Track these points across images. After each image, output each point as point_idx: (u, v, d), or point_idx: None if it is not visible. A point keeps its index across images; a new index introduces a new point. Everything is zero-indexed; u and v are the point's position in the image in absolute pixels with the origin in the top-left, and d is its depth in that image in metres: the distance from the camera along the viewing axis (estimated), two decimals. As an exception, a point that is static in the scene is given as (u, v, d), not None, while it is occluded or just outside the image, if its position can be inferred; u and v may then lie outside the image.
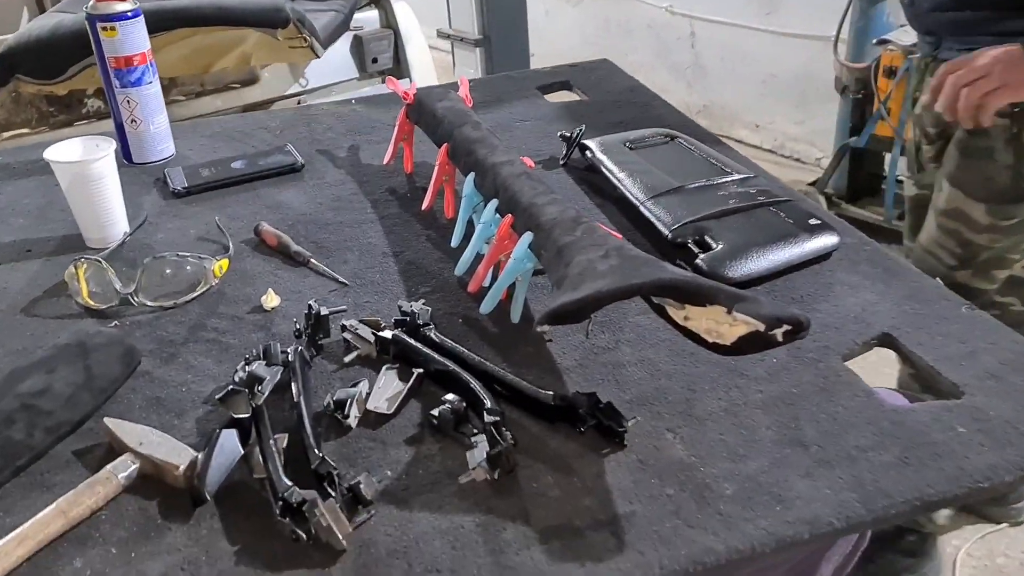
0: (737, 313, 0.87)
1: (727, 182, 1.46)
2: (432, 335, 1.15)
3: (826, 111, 4.50)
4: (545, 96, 2.03)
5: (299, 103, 3.41)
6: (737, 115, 5.21)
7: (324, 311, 1.16)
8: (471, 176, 1.36)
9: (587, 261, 1.00)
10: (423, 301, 1.23)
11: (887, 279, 1.27)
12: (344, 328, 1.17)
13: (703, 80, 5.16)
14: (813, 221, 1.35)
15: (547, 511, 0.90)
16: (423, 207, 1.50)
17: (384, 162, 1.68)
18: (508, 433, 0.95)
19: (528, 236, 1.15)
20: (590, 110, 1.93)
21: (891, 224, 4.13)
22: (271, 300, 1.27)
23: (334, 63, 3.35)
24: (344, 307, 1.21)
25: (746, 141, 5.24)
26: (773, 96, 5.03)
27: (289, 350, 1.10)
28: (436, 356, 1.10)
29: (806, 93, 4.89)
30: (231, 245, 1.42)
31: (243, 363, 1.07)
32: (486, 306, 1.21)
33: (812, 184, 4.27)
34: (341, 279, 1.33)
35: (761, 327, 0.85)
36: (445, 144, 1.48)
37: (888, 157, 4.05)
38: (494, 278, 1.27)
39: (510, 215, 1.21)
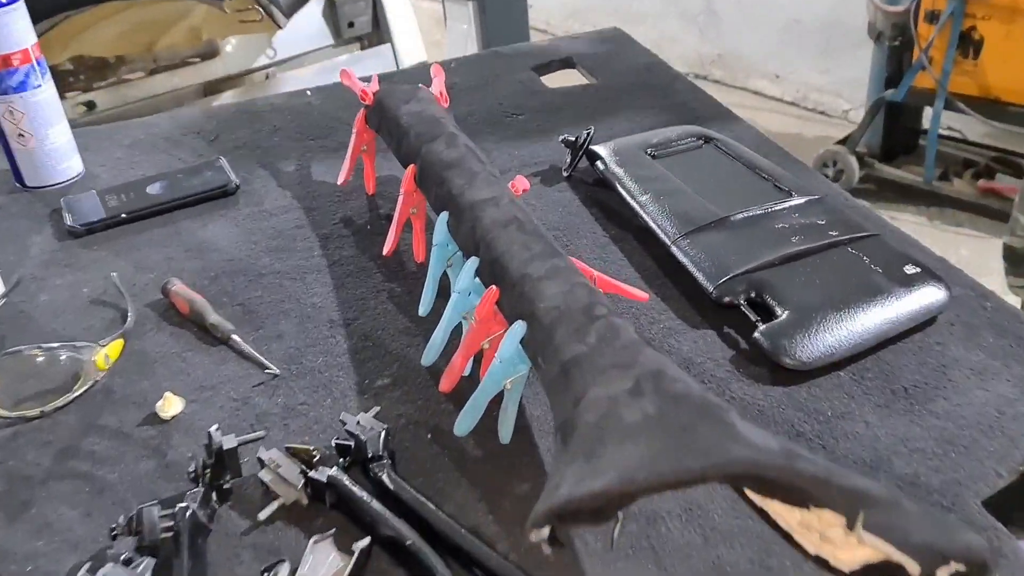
0: (866, 533, 0.52)
1: (786, 209, 1.09)
2: (385, 477, 0.80)
3: (855, 59, 4.08)
4: (543, 78, 1.65)
5: (267, 77, 3.02)
6: (755, 65, 4.79)
7: (230, 443, 0.82)
8: (443, 217, 1.00)
9: (608, 401, 0.65)
10: (377, 410, 0.89)
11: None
12: (262, 463, 0.83)
13: (717, 27, 4.73)
14: (910, 269, 0.98)
15: None
16: (384, 251, 1.14)
17: (339, 182, 1.31)
18: None
19: (519, 328, 0.80)
20: (598, 97, 1.55)
21: (931, 185, 3.76)
22: (169, 406, 0.93)
23: (305, 30, 2.96)
24: (262, 433, 0.86)
25: (764, 92, 4.83)
26: (795, 43, 4.61)
27: (178, 508, 0.76)
28: (390, 516, 0.76)
29: (832, 40, 4.46)
30: (131, 314, 1.06)
31: (87, 566, 0.72)
32: (461, 426, 0.87)
33: (842, 142, 3.88)
34: (270, 366, 0.98)
35: (907, 563, 0.51)
36: (412, 165, 1.11)
37: (929, 111, 3.65)
38: (476, 367, 0.92)
39: (495, 288, 0.86)
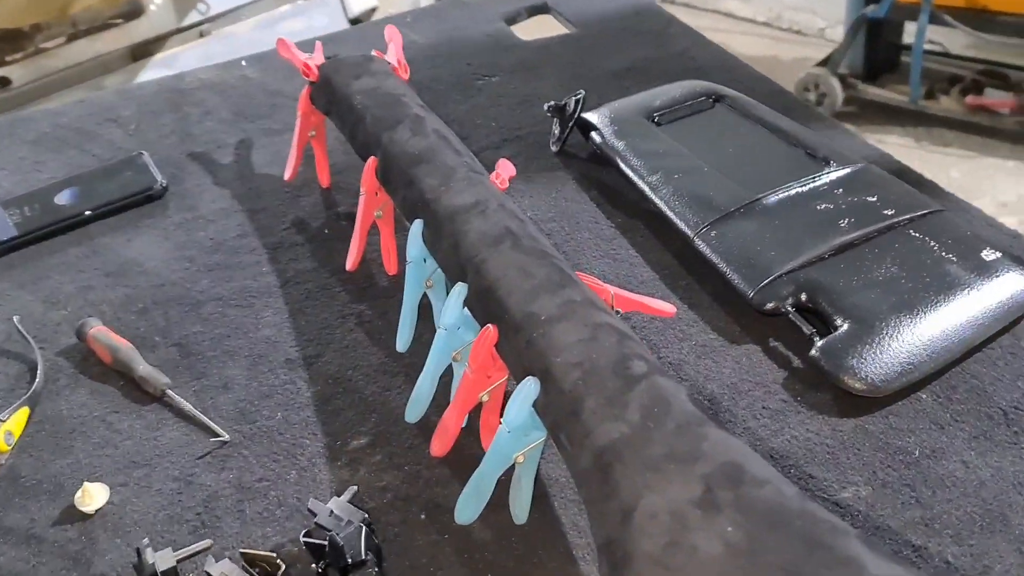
0: None
1: (826, 184, 0.91)
2: (372, 592, 0.63)
3: (829, -27, 3.86)
4: (515, 29, 1.44)
5: (201, 35, 2.75)
6: (724, -16, 4.56)
7: (167, 562, 0.64)
8: (417, 227, 0.81)
9: (672, 520, 0.47)
10: (354, 491, 0.71)
11: None
12: (212, 580, 0.65)
13: (682, -53, 4.48)
14: (989, 254, 0.81)
15: None
16: (348, 265, 0.94)
17: (286, 177, 1.10)
18: None
19: (532, 388, 0.62)
20: (581, 49, 1.35)
21: (917, 105, 3.60)
22: (91, 498, 0.74)
23: (241, -21, 2.70)
24: (208, 543, 0.68)
25: (736, 14, 4.61)
26: (766, -42, 4.39)
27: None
28: (382, 651, 0.59)
29: (805, -48, 4.24)
30: (40, 369, 0.87)
31: None
32: (464, 513, 0.69)
33: (822, 63, 3.69)
34: (218, 431, 0.79)
35: None
36: (372, 158, 0.91)
37: (910, 26, 3.47)
38: (473, 417, 0.74)
39: (492, 328, 0.67)
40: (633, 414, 0.54)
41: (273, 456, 0.77)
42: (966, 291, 0.77)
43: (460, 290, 0.73)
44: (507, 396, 0.73)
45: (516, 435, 0.64)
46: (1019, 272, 0.79)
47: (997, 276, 0.79)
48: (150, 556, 0.63)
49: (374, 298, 0.93)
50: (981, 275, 0.79)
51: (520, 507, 0.68)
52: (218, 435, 0.79)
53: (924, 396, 0.74)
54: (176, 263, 1.01)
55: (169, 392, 0.83)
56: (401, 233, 0.96)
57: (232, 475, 0.76)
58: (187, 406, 0.82)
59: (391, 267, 0.95)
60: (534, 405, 0.62)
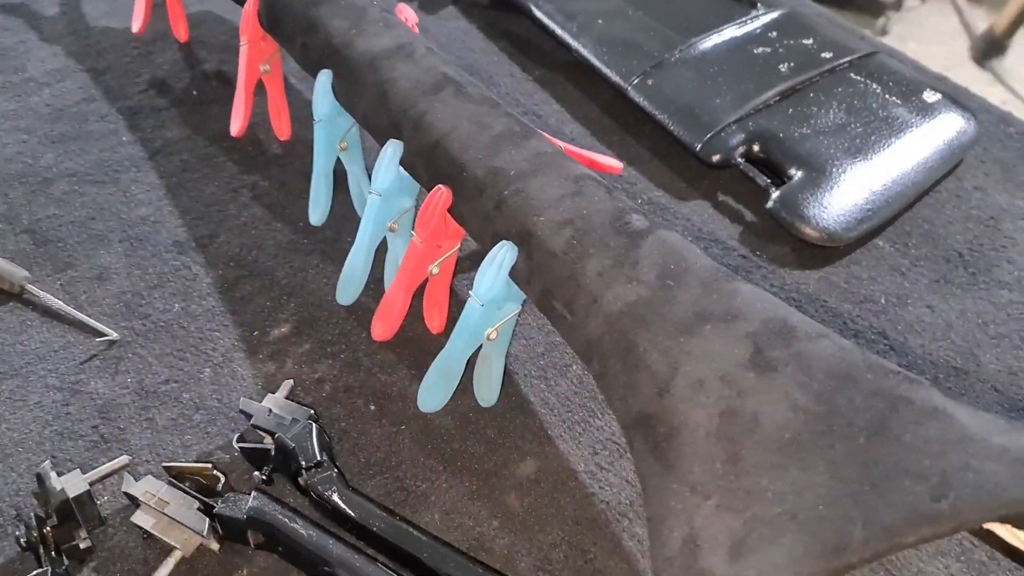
0: None
1: (759, 28, 0.85)
2: (336, 496, 0.54)
3: None
4: None
5: None
6: None
7: (78, 487, 0.52)
8: (324, 79, 0.68)
9: (723, 386, 0.41)
10: (291, 385, 0.61)
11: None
12: (134, 501, 0.54)
13: None
14: (930, 95, 0.79)
15: None
16: (233, 131, 0.81)
17: (135, 29, 0.92)
18: None
19: (507, 254, 0.54)
20: None
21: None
22: (-44, 421, 0.60)
23: None
24: (126, 459, 0.56)
25: None
26: None
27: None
28: (357, 561, 0.51)
29: None
30: None
31: None
32: (429, 401, 0.61)
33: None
34: (101, 329, 0.66)
35: None
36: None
37: None
38: (427, 292, 0.65)
39: (444, 189, 0.58)
40: (647, 273, 0.47)
41: (178, 354, 0.65)
42: (914, 134, 0.75)
43: (395, 149, 0.62)
44: (458, 267, 0.65)
45: (490, 308, 0.56)
46: (960, 113, 0.78)
47: (941, 117, 0.77)
48: (55, 481, 0.51)
49: (267, 167, 0.80)
50: (926, 117, 0.77)
51: (489, 389, 0.61)
52: (103, 334, 0.66)
53: (882, 244, 0.72)
54: (8, 136, 0.83)
55: (30, 287, 0.69)
56: (293, 90, 0.83)
57: (130, 379, 0.64)
58: (56, 302, 0.68)
59: (283, 131, 0.82)
60: (511, 273, 0.54)
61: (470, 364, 0.60)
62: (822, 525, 0.35)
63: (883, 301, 0.68)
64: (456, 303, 0.66)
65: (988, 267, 0.70)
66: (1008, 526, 0.37)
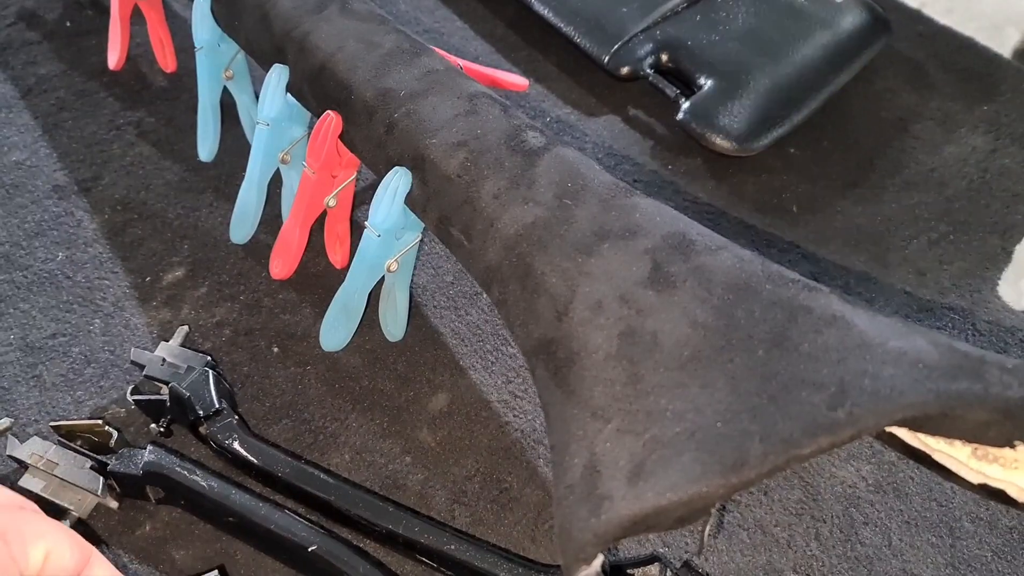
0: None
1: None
2: (237, 444, 0.52)
3: None
4: None
5: None
6: None
7: (-44, 455, 0.49)
8: (203, 2, 0.63)
9: (622, 305, 0.40)
10: (186, 332, 0.58)
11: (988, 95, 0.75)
12: (21, 464, 0.51)
13: None
14: (837, -5, 0.77)
15: None
16: (111, 63, 0.75)
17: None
18: None
19: (402, 180, 0.51)
20: None
21: None
22: None
23: None
24: (7, 421, 0.53)
25: None
26: None
27: None
28: (264, 509, 0.49)
29: None
30: None
31: None
32: (331, 339, 0.58)
33: None
34: (-21, 284, 0.62)
35: None
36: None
37: None
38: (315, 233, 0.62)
39: (334, 114, 0.55)
40: (544, 193, 0.45)
41: (64, 305, 0.62)
42: (823, 35, 0.73)
43: (280, 73, 0.58)
44: (357, 198, 0.62)
45: (387, 239, 0.53)
46: (870, 13, 0.76)
47: (850, 18, 0.75)
48: (-73, 452, 0.48)
49: (152, 102, 0.75)
50: (835, 17, 0.75)
51: (395, 323, 0.58)
52: (-19, 290, 0.62)
53: (793, 150, 0.71)
54: None
55: None
56: (178, 18, 0.78)
57: (13, 335, 0.60)
58: (-72, 259, 0.63)
59: (167, 62, 0.76)
60: (407, 200, 0.51)
61: (374, 298, 0.58)
62: (720, 442, 0.34)
63: (795, 209, 0.67)
64: (358, 236, 0.63)
65: (898, 169, 0.69)
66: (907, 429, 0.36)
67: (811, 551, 0.49)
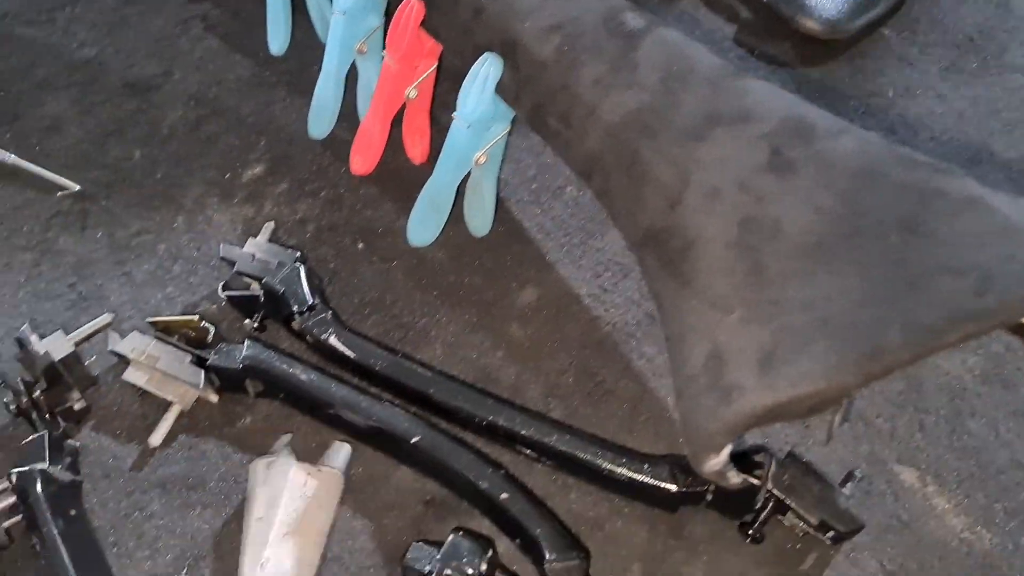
0: None
1: None
2: (334, 339, 0.52)
3: None
4: None
5: None
6: None
7: (63, 349, 0.49)
8: None
9: (741, 193, 0.38)
10: (272, 228, 0.58)
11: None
12: (122, 359, 0.52)
13: None
14: None
15: None
16: (173, -48, 0.73)
17: None
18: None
19: (492, 67, 0.49)
20: None
21: None
22: (-79, 291, 0.57)
23: None
24: (108, 317, 0.53)
25: None
26: None
27: (14, 476, 0.46)
28: (365, 403, 0.49)
29: None
30: None
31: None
32: (420, 235, 0.57)
33: None
34: (61, 182, 0.62)
35: None
36: None
37: None
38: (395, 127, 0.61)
39: (416, 1, 0.53)
40: (648, 77, 0.43)
41: (146, 203, 0.61)
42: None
43: (356, -43, 0.56)
44: (437, 89, 0.60)
45: (476, 130, 0.51)
46: None
47: None
48: (38, 344, 0.49)
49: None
50: None
51: (482, 217, 0.57)
52: (64, 187, 0.62)
53: (888, 32, 0.67)
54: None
55: (-23, 145, 0.63)
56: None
57: (100, 233, 0.60)
58: (9, 157, 0.63)
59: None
60: (497, 89, 0.50)
61: (459, 193, 0.57)
62: (855, 330, 0.33)
63: (891, 94, 0.64)
64: (439, 129, 0.61)
65: (1000, 51, 0.65)
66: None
67: (915, 442, 0.49)
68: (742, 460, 0.43)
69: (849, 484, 0.45)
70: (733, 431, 0.33)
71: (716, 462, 0.34)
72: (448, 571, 0.43)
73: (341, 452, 0.50)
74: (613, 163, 0.43)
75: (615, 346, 0.54)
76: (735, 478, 0.35)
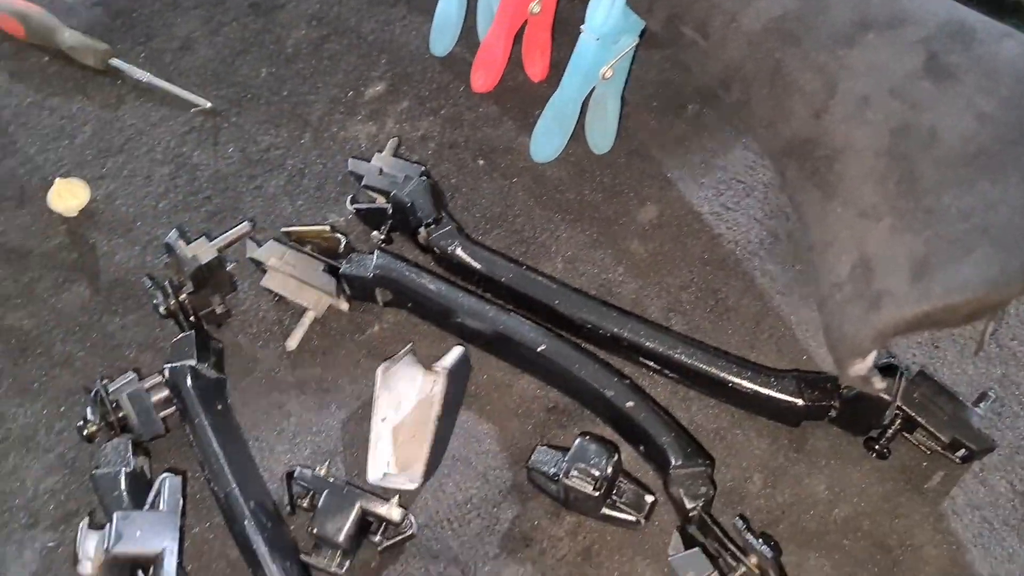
0: None
1: None
2: (460, 250, 0.53)
3: None
4: None
5: None
6: None
7: (207, 253, 0.52)
8: None
9: (893, 100, 0.38)
10: (396, 143, 0.59)
11: None
12: (259, 266, 0.54)
13: None
14: None
15: None
16: None
17: None
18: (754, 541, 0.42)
19: (623, -23, 0.49)
20: None
21: None
22: (69, 197, 0.60)
23: None
24: (246, 225, 0.55)
25: None
26: None
27: (168, 371, 0.49)
28: (488, 311, 0.51)
29: None
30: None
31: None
32: (543, 149, 0.58)
33: None
34: (195, 99, 0.64)
35: None
36: None
37: None
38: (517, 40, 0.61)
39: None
40: (796, -18, 0.42)
41: (274, 120, 0.63)
42: None
43: None
44: (560, 4, 0.60)
45: (605, 43, 0.51)
46: None
47: None
48: (185, 249, 0.51)
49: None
50: None
51: (604, 134, 0.57)
52: (197, 104, 0.64)
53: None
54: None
55: (114, 62, 0.66)
56: None
57: (232, 148, 0.62)
58: (144, 75, 0.65)
59: None
60: (628, 0, 0.49)
61: (582, 109, 0.57)
62: (1018, 238, 0.32)
63: (1034, 10, 0.61)
64: (558, 46, 0.61)
65: None
66: None
67: (1050, 365, 0.48)
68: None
69: (982, 404, 0.44)
70: (882, 337, 0.33)
71: (862, 367, 0.34)
72: (575, 472, 0.45)
73: (453, 355, 0.51)
74: (754, 73, 0.42)
75: (737, 263, 0.54)
76: (879, 383, 0.36)
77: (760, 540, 0.42)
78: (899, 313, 0.33)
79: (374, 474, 0.49)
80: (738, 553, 0.42)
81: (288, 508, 0.48)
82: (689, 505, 0.44)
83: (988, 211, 0.33)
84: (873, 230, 0.35)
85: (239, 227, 0.54)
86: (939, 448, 0.45)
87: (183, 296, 0.52)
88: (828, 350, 0.36)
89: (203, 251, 0.52)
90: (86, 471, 0.47)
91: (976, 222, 0.33)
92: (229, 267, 0.54)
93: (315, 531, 0.46)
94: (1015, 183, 0.33)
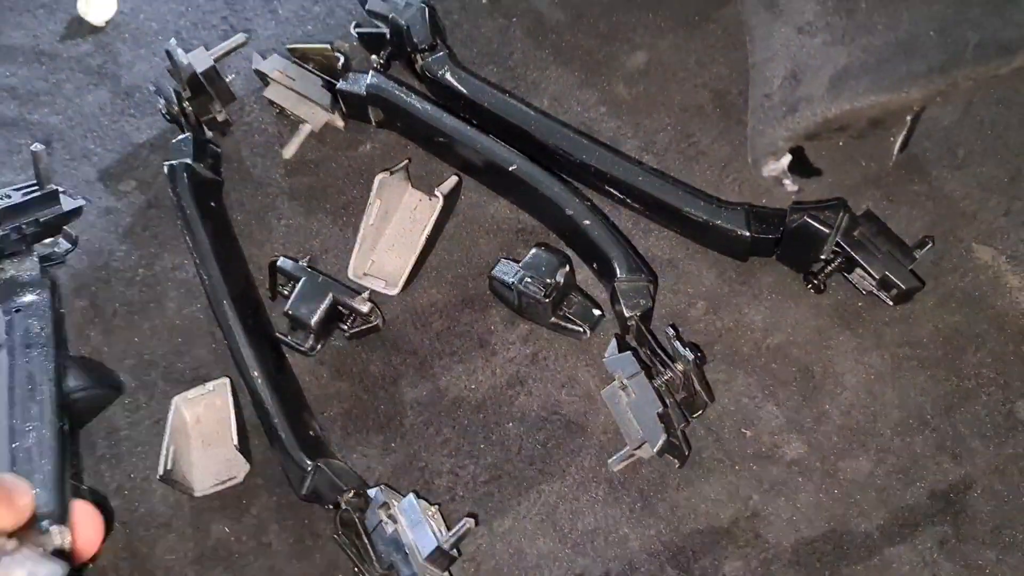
0: None
1: None
2: (449, 75, 0.56)
3: None
4: None
5: None
6: None
7: (203, 62, 0.55)
8: None
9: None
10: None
11: None
12: (263, 78, 0.58)
13: None
14: None
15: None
16: None
17: None
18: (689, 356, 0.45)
19: None
20: None
21: None
22: (97, 4, 0.64)
23: None
24: (242, 37, 0.58)
25: None
26: None
27: (167, 168, 0.54)
28: (471, 133, 0.54)
29: None
30: None
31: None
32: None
33: None
34: (221, -76, 0.67)
35: None
36: None
37: None
38: None
39: None
40: None
41: (294, -53, 0.66)
42: None
43: None
44: None
45: None
46: None
47: None
48: (183, 56, 0.55)
49: None
50: None
51: (602, -24, 0.59)
52: (223, -70, 0.67)
53: None
54: None
55: None
56: None
57: (250, -26, 0.65)
58: (177, -101, 0.68)
59: None
60: None
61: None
62: (931, 48, 0.34)
63: None
64: None
65: None
66: None
67: (998, 224, 0.49)
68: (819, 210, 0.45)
69: (921, 250, 0.46)
70: (794, 136, 0.36)
71: (775, 167, 0.37)
72: (528, 279, 0.49)
73: (450, 183, 0.54)
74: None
75: (715, 111, 0.56)
76: (791, 186, 0.38)
77: (688, 348, 0.45)
78: (811, 116, 0.35)
79: (355, 270, 0.53)
80: (666, 359, 0.46)
81: (270, 294, 0.53)
82: (627, 314, 0.47)
83: (912, 25, 0.35)
84: (808, 44, 0.37)
85: (234, 38, 0.58)
86: (873, 287, 0.47)
87: (186, 103, 0.56)
88: (748, 153, 0.39)
89: (199, 59, 0.55)
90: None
91: (899, 35, 0.35)
92: (229, 79, 0.57)
93: (289, 312, 0.50)
94: (948, 3, 0.35)
